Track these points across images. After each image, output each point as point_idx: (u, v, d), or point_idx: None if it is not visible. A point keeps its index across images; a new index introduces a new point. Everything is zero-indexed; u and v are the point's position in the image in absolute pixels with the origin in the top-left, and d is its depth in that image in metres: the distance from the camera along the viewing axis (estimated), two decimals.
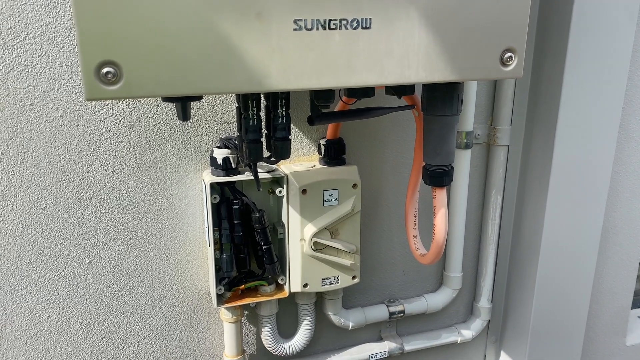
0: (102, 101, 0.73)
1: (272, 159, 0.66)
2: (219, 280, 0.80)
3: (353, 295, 0.96)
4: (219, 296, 0.80)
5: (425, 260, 0.76)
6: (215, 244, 0.79)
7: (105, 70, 0.47)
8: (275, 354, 0.89)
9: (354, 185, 0.81)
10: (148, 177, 0.78)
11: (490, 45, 0.60)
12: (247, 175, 0.77)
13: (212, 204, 0.76)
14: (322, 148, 0.82)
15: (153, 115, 0.76)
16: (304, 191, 0.78)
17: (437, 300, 0.99)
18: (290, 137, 0.62)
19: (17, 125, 0.70)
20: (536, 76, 0.91)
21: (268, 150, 0.65)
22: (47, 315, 0.79)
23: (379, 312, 0.95)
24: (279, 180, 0.79)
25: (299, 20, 0.52)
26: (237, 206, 0.77)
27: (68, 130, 0.72)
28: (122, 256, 0.80)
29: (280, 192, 0.79)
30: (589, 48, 0.85)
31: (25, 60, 0.68)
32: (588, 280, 1.01)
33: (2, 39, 0.67)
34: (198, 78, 0.50)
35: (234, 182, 0.78)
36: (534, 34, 0.91)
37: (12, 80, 0.68)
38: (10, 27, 0.67)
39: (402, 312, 0.96)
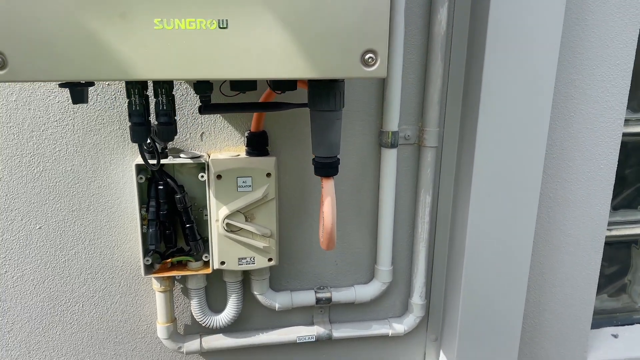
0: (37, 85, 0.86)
1: (159, 143, 0.76)
2: (145, 252, 0.90)
3: (285, 279, 1.03)
4: (146, 267, 0.91)
5: (323, 246, 0.82)
6: (142, 219, 0.89)
7: None
8: (203, 325, 0.98)
9: (268, 175, 0.88)
10: (90, 158, 0.90)
11: (349, 46, 0.65)
12: (170, 159, 0.87)
13: (138, 184, 0.87)
14: (246, 139, 0.91)
15: (94, 103, 0.87)
16: (218, 176, 0.87)
17: (366, 291, 1.03)
18: (173, 122, 0.71)
19: None
20: (467, 81, 0.94)
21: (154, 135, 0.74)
22: (5, 270, 0.93)
23: (307, 297, 1.01)
24: (203, 167, 0.89)
25: (160, 19, 0.61)
26: (161, 187, 0.88)
27: (21, 113, 0.85)
28: (68, 225, 0.92)
29: (202, 177, 0.88)
30: (506, 51, 0.87)
31: None
32: (521, 282, 1.01)
33: None
34: (72, 67, 0.60)
35: (162, 164, 0.88)
36: (465, 41, 0.94)
37: None
38: None
39: (329, 299, 1.01)
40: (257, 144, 0.91)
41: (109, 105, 0.88)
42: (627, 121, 1.12)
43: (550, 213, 1.08)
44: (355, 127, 0.97)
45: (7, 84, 0.84)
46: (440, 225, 1.04)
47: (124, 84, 0.82)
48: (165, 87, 0.69)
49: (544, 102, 0.91)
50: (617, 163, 1.07)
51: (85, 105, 0.87)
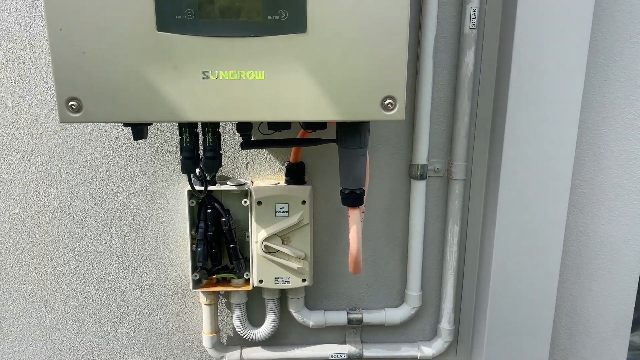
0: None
1: (207, 175, 0.86)
2: (194, 268, 1.01)
3: (320, 299, 1.11)
4: (195, 282, 1.01)
5: (350, 269, 0.89)
6: (192, 239, 1.00)
7: (71, 103, 0.71)
8: (243, 337, 1.07)
9: (303, 202, 0.97)
10: (149, 183, 1.02)
11: (371, 93, 0.73)
12: (218, 186, 0.98)
13: (189, 207, 0.98)
14: (285, 169, 1.00)
15: (154, 136, 1.00)
16: (259, 203, 0.96)
17: (396, 314, 1.09)
18: (218, 156, 0.81)
19: (59, 138, 0.98)
20: (494, 118, 1.00)
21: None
22: (75, 279, 1.06)
23: (339, 317, 1.08)
24: (246, 193, 0.99)
25: (206, 71, 0.71)
26: (209, 210, 0.98)
27: (94, 143, 0.99)
28: (129, 241, 1.05)
29: (245, 202, 0.99)
30: (530, 90, 0.92)
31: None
32: (548, 311, 1.04)
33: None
34: (134, 110, 0.72)
35: (211, 190, 0.98)
36: (493, 80, 0.99)
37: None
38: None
39: (360, 320, 1.08)
40: (295, 174, 1.00)
41: (167, 137, 1.00)
42: None
43: (580, 247, 1.10)
44: (387, 159, 1.04)
45: None
46: (469, 254, 1.08)
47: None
48: (211, 127, 0.80)
49: (569, 141, 0.95)
50: None
51: (148, 134, 1.00)
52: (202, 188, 0.93)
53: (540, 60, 0.91)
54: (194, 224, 1.00)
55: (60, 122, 0.71)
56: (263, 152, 1.03)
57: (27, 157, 0.99)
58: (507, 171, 0.96)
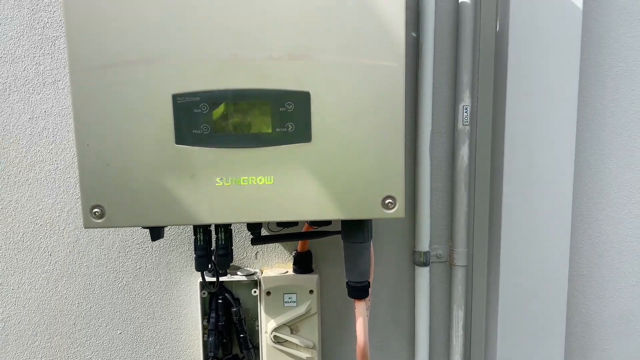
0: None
1: (219, 271, 0.91)
2: (205, 358, 1.03)
3: None
4: None
5: None
6: (203, 329, 1.03)
7: (95, 210, 0.77)
8: None
9: (311, 291, 1.01)
10: (163, 274, 1.07)
11: (372, 193, 0.79)
12: (229, 277, 1.02)
13: (202, 298, 1.02)
14: (293, 259, 1.05)
15: (168, 229, 1.05)
16: (268, 293, 1.00)
17: None
18: (229, 254, 0.86)
19: (79, 234, 1.04)
20: (490, 206, 1.05)
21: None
22: None
23: None
24: (256, 283, 1.03)
25: (220, 178, 0.77)
26: (220, 300, 1.02)
27: (112, 237, 1.05)
28: (143, 331, 1.08)
29: (254, 292, 1.02)
30: (523, 182, 0.98)
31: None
32: None
33: (75, 177, 1.03)
34: (153, 215, 0.78)
35: (222, 281, 1.03)
36: (488, 171, 1.05)
37: (79, 203, 1.03)
38: None
39: None
40: (303, 263, 1.04)
41: (180, 230, 1.06)
42: None
43: (585, 329, 1.11)
44: (391, 247, 1.08)
45: None
46: (474, 339, 1.10)
47: None
48: (223, 227, 0.86)
49: (563, 229, 1.00)
50: None
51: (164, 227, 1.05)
52: (214, 280, 0.98)
53: (531, 153, 0.97)
54: (205, 314, 1.03)
55: (85, 227, 0.77)
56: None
57: (49, 252, 1.05)
58: (506, 258, 1.00)
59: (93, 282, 1.06)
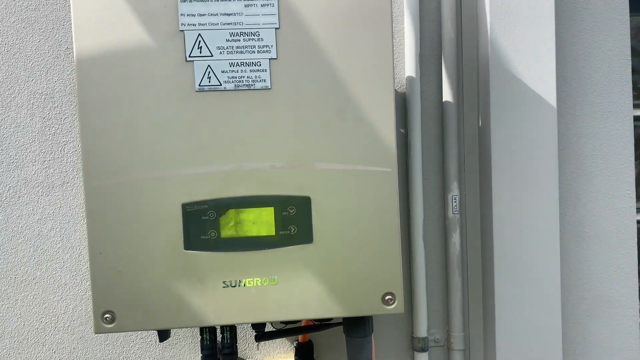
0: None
1: None
2: None
3: None
4: None
5: None
6: None
7: (106, 315, 0.80)
8: None
9: None
10: None
11: (372, 291, 0.83)
12: None
13: None
14: (295, 349, 1.07)
15: None
16: None
17: None
18: (235, 353, 0.89)
19: (84, 330, 1.06)
20: (484, 290, 1.09)
21: None
22: None
23: None
24: None
25: (226, 281, 0.81)
26: None
27: (118, 334, 1.07)
28: None
29: None
30: (514, 265, 1.03)
31: None
32: None
33: (82, 275, 1.05)
34: (163, 319, 0.81)
35: None
36: (479, 257, 1.10)
37: (84, 301, 1.06)
38: (88, 267, 1.06)
39: None
40: (304, 353, 1.06)
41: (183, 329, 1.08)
42: None
43: None
44: (391, 334, 1.11)
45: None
46: None
47: None
48: (229, 327, 0.88)
49: (554, 306, 1.04)
50: None
51: None
52: None
53: (519, 237, 1.03)
54: None
55: (95, 333, 0.79)
56: None
57: (52, 350, 1.06)
58: (501, 340, 1.03)
59: None
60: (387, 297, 0.83)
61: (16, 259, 1.05)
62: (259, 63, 0.81)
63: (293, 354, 1.08)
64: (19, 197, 1.04)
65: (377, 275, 0.83)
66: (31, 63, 1.04)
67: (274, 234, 0.82)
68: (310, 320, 0.99)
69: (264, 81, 0.81)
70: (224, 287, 0.81)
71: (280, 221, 0.82)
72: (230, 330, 0.88)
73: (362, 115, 0.82)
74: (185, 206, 0.80)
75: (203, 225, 0.81)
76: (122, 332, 0.88)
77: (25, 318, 1.05)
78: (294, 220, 0.82)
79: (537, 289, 1.04)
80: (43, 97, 1.04)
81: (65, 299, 1.06)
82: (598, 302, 1.14)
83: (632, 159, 1.13)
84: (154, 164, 0.80)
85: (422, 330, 1.08)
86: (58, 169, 1.05)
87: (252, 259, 0.81)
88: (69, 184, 1.05)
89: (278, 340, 1.10)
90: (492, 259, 1.04)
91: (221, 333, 0.88)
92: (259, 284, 0.81)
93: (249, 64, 0.81)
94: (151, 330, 0.84)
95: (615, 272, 1.14)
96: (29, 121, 1.04)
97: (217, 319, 0.81)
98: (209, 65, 0.81)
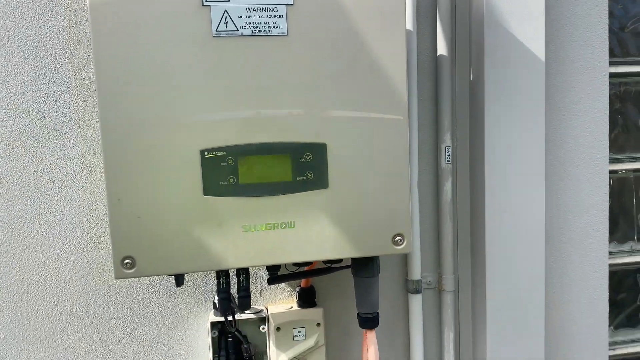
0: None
1: (239, 311, 0.96)
2: None
3: None
4: None
5: None
6: None
7: (126, 261, 0.81)
8: None
9: (318, 324, 1.07)
10: (171, 316, 1.10)
11: (383, 232, 0.88)
12: (238, 316, 1.07)
13: (212, 338, 1.06)
14: (297, 294, 1.11)
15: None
16: (278, 329, 1.06)
17: None
18: (250, 295, 0.92)
19: (86, 282, 1.06)
20: (473, 235, 1.16)
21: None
22: None
23: None
24: (263, 320, 1.08)
25: (245, 225, 0.83)
26: (230, 339, 1.06)
27: (119, 284, 1.07)
28: None
29: (263, 328, 1.08)
30: (502, 209, 1.10)
31: (94, 240, 1.05)
32: None
33: (82, 227, 1.05)
34: (183, 263, 0.82)
35: (230, 320, 1.07)
36: (468, 205, 1.17)
37: (85, 252, 1.05)
38: (88, 219, 1.05)
39: None
40: (307, 298, 1.10)
41: (188, 275, 1.09)
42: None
43: (559, 341, 1.24)
44: (386, 278, 1.17)
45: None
46: (463, 357, 1.20)
47: None
48: (244, 270, 0.91)
49: (538, 247, 1.13)
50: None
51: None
52: (222, 319, 1.02)
53: (507, 184, 1.10)
54: (215, 352, 1.07)
55: (115, 278, 0.81)
56: None
57: (54, 303, 1.05)
58: (490, 281, 1.11)
59: (100, 329, 1.07)
60: (396, 238, 0.88)
61: (12, 212, 1.02)
62: (275, 9, 0.82)
63: (295, 299, 1.12)
64: (12, 148, 1.01)
65: (388, 217, 0.87)
66: (21, 9, 0.99)
67: (290, 179, 0.84)
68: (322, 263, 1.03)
69: (281, 27, 0.82)
70: (243, 231, 0.83)
71: (297, 167, 0.84)
72: (246, 274, 0.91)
73: (376, 64, 0.85)
74: (203, 152, 0.81)
75: (222, 171, 0.82)
76: (142, 277, 0.89)
77: (25, 271, 1.04)
78: (310, 167, 0.85)
79: (522, 232, 1.12)
80: (35, 44, 1.00)
81: (66, 252, 1.05)
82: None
83: (607, 112, 1.22)
84: (171, 110, 0.80)
85: (415, 274, 1.14)
86: (54, 119, 1.02)
87: (271, 204, 0.83)
88: (66, 135, 1.03)
89: (280, 287, 1.13)
90: (483, 205, 1.11)
91: (237, 276, 0.91)
92: (277, 228, 0.84)
93: (265, 10, 0.81)
94: (171, 274, 0.85)
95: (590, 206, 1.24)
96: (20, 69, 1.00)
97: (237, 262, 0.83)
98: (225, 10, 0.81)
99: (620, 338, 1.38)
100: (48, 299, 1.05)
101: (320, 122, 0.84)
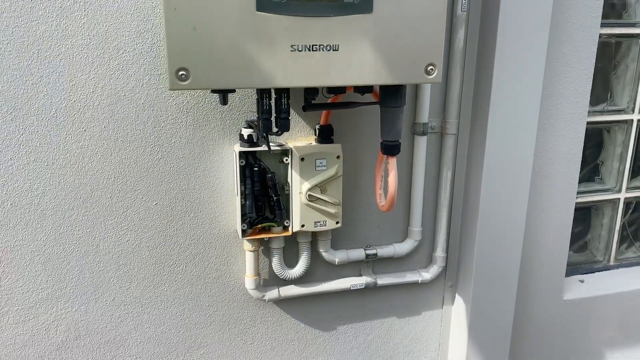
0: (176, 91, 1.10)
1: (278, 132, 1.02)
2: (243, 219, 1.16)
3: (341, 241, 1.31)
4: (243, 231, 1.16)
5: (384, 208, 1.10)
6: (241, 194, 1.15)
7: (180, 72, 0.84)
8: (281, 277, 1.25)
9: (337, 157, 1.16)
10: (197, 147, 1.15)
11: (417, 61, 0.94)
12: (264, 147, 1.13)
13: (240, 166, 1.13)
14: (317, 131, 1.18)
15: (202, 105, 1.12)
16: (302, 159, 1.14)
17: (402, 248, 1.33)
18: (289, 117, 0.98)
19: (114, 109, 1.08)
20: (477, 83, 1.25)
21: (276, 127, 1.01)
22: (127, 239, 1.16)
23: (358, 253, 1.30)
24: (286, 152, 1.15)
25: (294, 45, 0.87)
26: (256, 168, 1.14)
27: (146, 112, 1.10)
28: (178, 201, 1.17)
29: (286, 160, 1.15)
30: (510, 62, 1.19)
31: (121, 67, 1.06)
32: (518, 239, 1.34)
33: (110, 53, 1.04)
34: (235, 77, 0.86)
35: (255, 151, 1.14)
36: (475, 53, 1.24)
37: (113, 79, 1.06)
38: (115, 46, 1.04)
39: (375, 254, 1.30)
40: (326, 134, 1.18)
41: (213, 107, 1.13)
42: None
43: (538, 186, 1.41)
44: None
45: (138, 90, 1.08)
46: (456, 194, 1.35)
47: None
48: (286, 92, 0.96)
49: (533, 112, 1.24)
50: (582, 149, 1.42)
51: (196, 105, 1.12)
52: (249, 149, 1.08)
53: (519, 32, 1.18)
54: (241, 180, 1.14)
55: (170, 89, 0.84)
56: (294, 118, 1.19)
57: (83, 128, 1.07)
58: (492, 127, 1.23)
59: (128, 156, 1.11)
60: (429, 68, 0.95)
61: (37, 34, 1.00)
62: None
63: (314, 136, 1.20)
64: None
65: (423, 46, 0.93)
66: None
67: (338, 2, 0.87)
68: (357, 92, 1.08)
69: None
70: (291, 50, 0.87)
71: None
72: (288, 97, 0.96)
73: None
74: None
75: None
76: (196, 89, 0.93)
77: (52, 95, 1.04)
78: None
79: (519, 86, 1.22)
80: None
81: (94, 78, 1.05)
82: None
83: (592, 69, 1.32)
84: None
85: (423, 117, 1.24)
86: None
87: (319, 25, 0.87)
88: None
89: (298, 126, 1.20)
90: (492, 54, 1.19)
91: (279, 99, 0.96)
92: (323, 50, 0.89)
93: None
94: (224, 89, 0.89)
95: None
96: None
97: (285, 81, 0.88)
98: None
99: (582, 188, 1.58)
100: (77, 124, 1.07)
101: None
